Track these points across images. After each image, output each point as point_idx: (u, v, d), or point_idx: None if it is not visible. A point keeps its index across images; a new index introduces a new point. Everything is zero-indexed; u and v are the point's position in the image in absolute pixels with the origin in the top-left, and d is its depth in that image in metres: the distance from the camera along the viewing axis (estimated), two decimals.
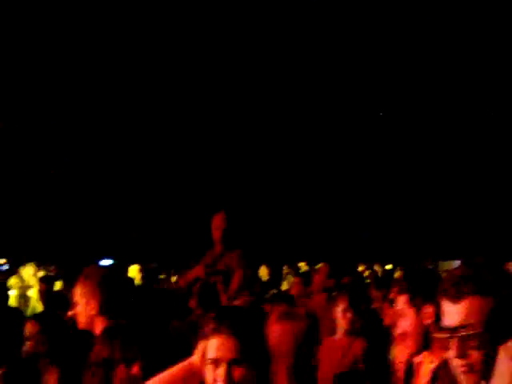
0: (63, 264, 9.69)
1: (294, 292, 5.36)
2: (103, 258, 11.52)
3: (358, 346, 4.15)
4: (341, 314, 4.22)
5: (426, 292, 2.55)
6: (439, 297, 1.58)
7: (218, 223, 5.05)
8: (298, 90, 13.94)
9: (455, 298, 1.52)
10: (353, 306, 4.32)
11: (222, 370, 1.90)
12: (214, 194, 12.80)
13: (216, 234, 5.04)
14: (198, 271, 4.96)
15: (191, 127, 14.23)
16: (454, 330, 1.49)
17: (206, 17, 12.12)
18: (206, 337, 1.96)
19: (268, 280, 7.98)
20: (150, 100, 13.73)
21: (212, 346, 1.93)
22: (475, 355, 1.47)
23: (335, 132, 15.09)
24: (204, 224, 5.11)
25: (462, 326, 1.48)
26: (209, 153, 14.56)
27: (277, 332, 2.73)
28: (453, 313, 1.52)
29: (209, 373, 1.94)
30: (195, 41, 12.61)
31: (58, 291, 6.96)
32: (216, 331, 1.93)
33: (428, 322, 2.60)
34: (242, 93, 13.80)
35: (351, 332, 4.21)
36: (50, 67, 12.53)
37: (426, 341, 2.48)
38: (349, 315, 4.30)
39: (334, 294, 4.51)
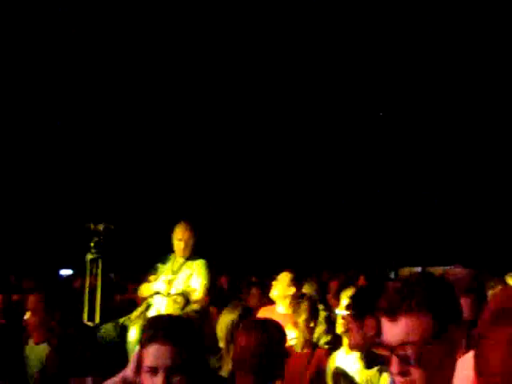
0: (22, 274, 9.50)
1: (252, 303, 5.31)
2: (62, 268, 11.35)
3: (321, 356, 4.11)
4: (302, 325, 4.18)
5: (369, 306, 2.56)
6: (377, 313, 1.55)
7: (179, 234, 5.02)
8: (295, 90, 13.90)
9: (391, 316, 1.48)
10: (314, 315, 4.29)
11: (160, 378, 1.86)
12: (175, 204, 12.69)
13: (177, 244, 5.00)
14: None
15: (154, 132, 14.12)
16: (392, 348, 1.46)
17: (205, 17, 12.05)
18: (143, 345, 1.93)
19: (227, 290, 7.96)
20: (110, 113, 13.59)
21: (149, 354, 1.89)
22: (416, 373, 1.45)
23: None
24: (164, 235, 5.06)
25: (400, 345, 1.45)
26: (173, 161, 14.45)
27: (241, 343, 2.70)
28: (390, 331, 1.48)
29: (146, 382, 1.90)
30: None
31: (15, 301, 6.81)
32: (153, 339, 1.90)
33: (371, 334, 2.62)
34: (223, 90, 13.74)
35: (311, 343, 4.18)
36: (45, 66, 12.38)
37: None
38: (311, 325, 4.27)
39: (294, 303, 4.49)
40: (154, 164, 14.27)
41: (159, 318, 2.34)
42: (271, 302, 5.03)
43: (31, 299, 3.97)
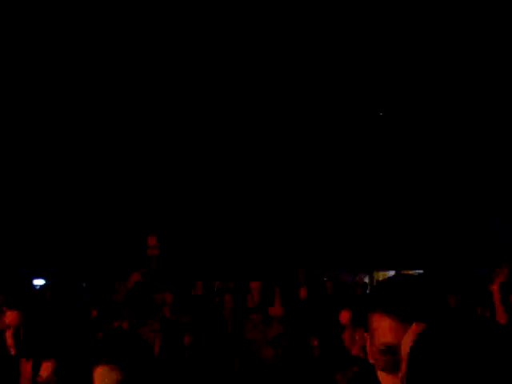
0: None
1: (225, 311, 5.29)
2: (36, 278, 11.22)
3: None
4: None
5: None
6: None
7: (152, 243, 5.03)
8: (295, 90, 13.85)
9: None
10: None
11: None
12: (148, 214, 12.60)
13: (151, 252, 5.01)
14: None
15: (127, 141, 14.04)
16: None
17: (205, 18, 11.99)
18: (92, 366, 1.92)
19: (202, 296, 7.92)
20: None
21: (96, 377, 1.89)
22: None
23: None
24: (138, 244, 5.06)
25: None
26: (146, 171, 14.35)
27: None
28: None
29: None
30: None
31: None
32: (97, 362, 1.89)
33: None
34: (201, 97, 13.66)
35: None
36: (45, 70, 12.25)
37: None
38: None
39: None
40: (128, 173, 14.18)
41: (104, 340, 2.31)
42: (246, 310, 5.03)
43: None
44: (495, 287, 3.21)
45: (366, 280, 16.19)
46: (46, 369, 2.59)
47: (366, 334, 1.62)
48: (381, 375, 1.51)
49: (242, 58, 13.00)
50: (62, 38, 11.91)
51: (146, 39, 12.33)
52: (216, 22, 12.10)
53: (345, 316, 3.45)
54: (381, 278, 15.67)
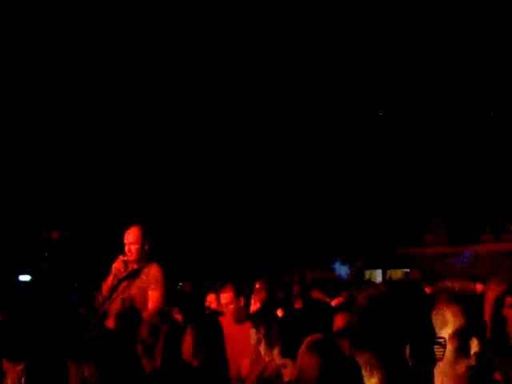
0: None
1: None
2: (21, 274, 11.21)
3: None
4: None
5: None
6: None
7: (131, 237, 4.99)
8: (295, 90, 13.84)
9: None
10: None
11: None
12: (129, 208, 12.57)
13: (129, 248, 4.96)
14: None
15: (114, 137, 14.00)
16: None
17: (205, 18, 11.98)
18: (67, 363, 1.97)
19: (190, 296, 7.96)
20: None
21: (71, 373, 1.94)
22: None
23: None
24: (117, 239, 5.04)
25: None
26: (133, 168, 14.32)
27: None
28: None
29: None
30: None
31: None
32: (72, 358, 1.94)
33: None
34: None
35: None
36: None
37: None
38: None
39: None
40: (109, 170, 14.11)
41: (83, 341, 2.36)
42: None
43: None
44: (487, 304, 3.08)
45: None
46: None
47: None
48: None
49: (243, 58, 13.03)
50: (62, 38, 11.90)
51: (146, 39, 12.34)
52: (216, 21, 12.12)
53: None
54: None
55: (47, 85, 12.67)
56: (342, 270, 15.59)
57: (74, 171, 13.68)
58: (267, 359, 3.37)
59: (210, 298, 5.53)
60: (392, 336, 1.46)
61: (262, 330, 3.46)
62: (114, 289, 4.84)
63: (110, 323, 4.47)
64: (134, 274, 4.98)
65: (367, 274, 16.59)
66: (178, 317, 4.92)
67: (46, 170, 13.51)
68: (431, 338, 1.49)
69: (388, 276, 16.11)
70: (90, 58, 12.38)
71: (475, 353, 1.64)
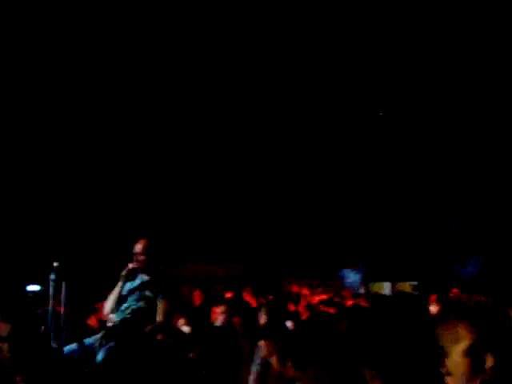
0: None
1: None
2: (30, 284, 11.20)
3: None
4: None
5: None
6: None
7: (140, 248, 5.00)
8: (295, 90, 13.86)
9: None
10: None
11: None
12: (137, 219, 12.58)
13: (137, 260, 4.97)
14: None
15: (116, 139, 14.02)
16: None
17: (205, 18, 12.04)
18: None
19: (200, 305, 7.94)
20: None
21: None
22: None
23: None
24: (125, 251, 5.06)
25: None
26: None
27: None
28: None
29: None
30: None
31: None
32: None
33: None
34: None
35: None
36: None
37: None
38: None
39: None
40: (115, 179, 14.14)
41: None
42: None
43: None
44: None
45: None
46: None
47: None
48: None
49: (242, 57, 13.04)
50: (62, 38, 11.94)
51: (145, 39, 12.37)
52: (216, 21, 12.15)
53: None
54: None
55: (47, 85, 12.72)
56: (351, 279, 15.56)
57: (82, 180, 13.72)
58: (279, 371, 3.39)
59: (217, 310, 5.54)
60: None
61: (274, 343, 3.47)
62: (123, 300, 4.85)
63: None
64: (142, 285, 5.00)
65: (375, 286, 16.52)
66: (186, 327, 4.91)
67: (55, 180, 13.55)
68: None
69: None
70: (90, 58, 12.42)
71: (490, 367, 1.64)
